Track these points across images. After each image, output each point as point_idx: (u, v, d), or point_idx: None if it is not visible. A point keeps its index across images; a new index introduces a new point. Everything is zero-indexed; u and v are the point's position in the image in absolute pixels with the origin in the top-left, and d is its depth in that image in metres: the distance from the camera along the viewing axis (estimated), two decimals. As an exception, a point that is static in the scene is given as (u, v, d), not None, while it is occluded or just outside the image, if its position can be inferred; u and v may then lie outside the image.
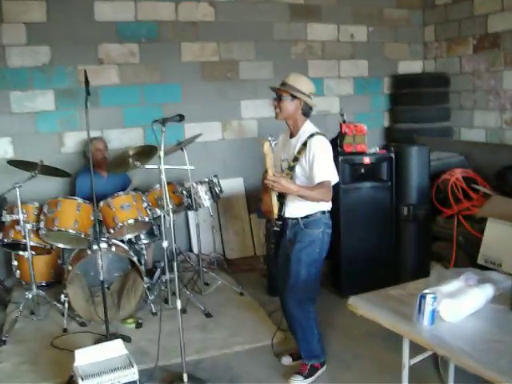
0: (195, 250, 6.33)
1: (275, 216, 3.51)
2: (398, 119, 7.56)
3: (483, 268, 4.21)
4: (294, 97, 3.43)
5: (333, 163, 3.45)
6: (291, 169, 3.46)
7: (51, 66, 5.85)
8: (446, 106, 7.39)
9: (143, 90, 6.26)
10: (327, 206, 3.53)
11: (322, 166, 3.35)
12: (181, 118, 3.68)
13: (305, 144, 3.42)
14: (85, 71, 4.07)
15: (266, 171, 3.22)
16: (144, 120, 5.83)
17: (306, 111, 3.53)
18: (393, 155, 5.06)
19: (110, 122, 6.13)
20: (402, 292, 3.01)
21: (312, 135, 3.43)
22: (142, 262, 5.12)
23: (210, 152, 6.62)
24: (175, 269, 3.63)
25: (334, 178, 3.43)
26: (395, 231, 5.21)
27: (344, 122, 5.06)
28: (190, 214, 6.21)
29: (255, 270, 6.11)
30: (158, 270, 5.24)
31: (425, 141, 6.55)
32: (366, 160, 5.00)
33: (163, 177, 3.59)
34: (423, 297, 2.54)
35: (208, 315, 4.81)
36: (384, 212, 5.15)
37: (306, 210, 3.50)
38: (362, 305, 2.88)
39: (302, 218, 3.52)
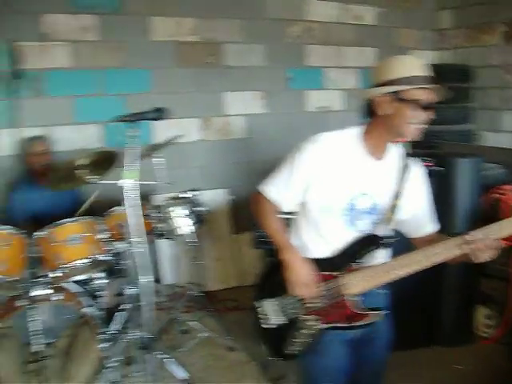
0: (164, 279, 5.20)
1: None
2: (409, 119, 6.36)
3: None
4: None
5: None
6: (394, 210, 2.17)
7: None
8: (467, 105, 6.33)
9: (102, 75, 4.98)
10: None
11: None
12: (159, 113, 2.45)
13: (404, 170, 2.19)
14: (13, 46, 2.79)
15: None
16: (102, 114, 4.61)
17: None
18: (442, 170, 3.93)
19: (57, 117, 4.83)
20: None
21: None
22: (100, 303, 3.83)
23: (186, 156, 5.41)
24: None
25: None
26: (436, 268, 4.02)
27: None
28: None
29: (243, 308, 4.85)
30: (119, 316, 3.91)
31: (448, 147, 5.49)
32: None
33: (129, 198, 2.64)
34: None
35: (190, 388, 3.58)
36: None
37: None
38: None
39: None
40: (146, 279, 2.58)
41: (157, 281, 5.26)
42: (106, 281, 3.85)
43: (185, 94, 5.30)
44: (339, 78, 6.15)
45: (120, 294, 3.95)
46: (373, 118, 2.09)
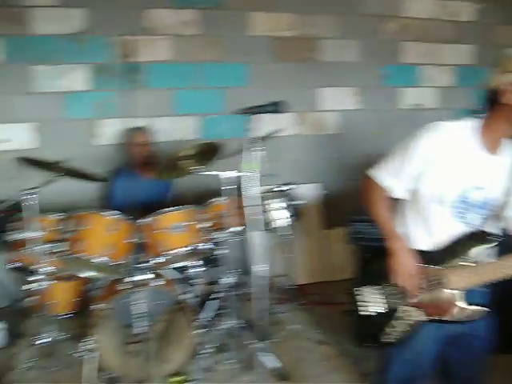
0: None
1: None
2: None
3: None
4: None
5: None
6: (505, 206, 2.14)
7: (86, 34, 4.71)
8: None
9: (201, 69, 5.07)
10: None
11: None
12: (277, 106, 2.48)
13: None
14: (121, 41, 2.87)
15: None
16: (201, 106, 4.67)
17: None
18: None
19: (158, 108, 4.97)
20: None
21: None
22: (195, 290, 3.91)
23: (280, 150, 5.35)
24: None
25: None
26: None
27: None
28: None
29: (332, 302, 4.83)
30: (213, 304, 3.98)
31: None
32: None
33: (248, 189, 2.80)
34: None
35: (283, 377, 3.54)
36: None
37: None
38: None
39: None
40: (260, 268, 2.60)
41: (247, 272, 5.34)
42: (203, 269, 3.91)
43: (280, 88, 5.24)
44: (434, 76, 6.00)
45: (214, 283, 4.03)
46: (494, 108, 2.02)
